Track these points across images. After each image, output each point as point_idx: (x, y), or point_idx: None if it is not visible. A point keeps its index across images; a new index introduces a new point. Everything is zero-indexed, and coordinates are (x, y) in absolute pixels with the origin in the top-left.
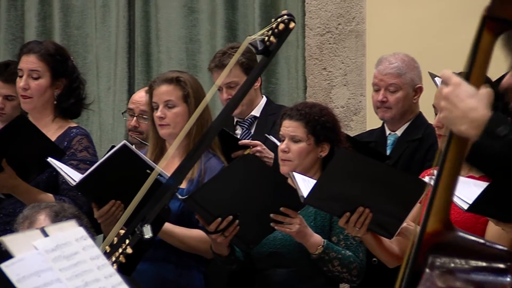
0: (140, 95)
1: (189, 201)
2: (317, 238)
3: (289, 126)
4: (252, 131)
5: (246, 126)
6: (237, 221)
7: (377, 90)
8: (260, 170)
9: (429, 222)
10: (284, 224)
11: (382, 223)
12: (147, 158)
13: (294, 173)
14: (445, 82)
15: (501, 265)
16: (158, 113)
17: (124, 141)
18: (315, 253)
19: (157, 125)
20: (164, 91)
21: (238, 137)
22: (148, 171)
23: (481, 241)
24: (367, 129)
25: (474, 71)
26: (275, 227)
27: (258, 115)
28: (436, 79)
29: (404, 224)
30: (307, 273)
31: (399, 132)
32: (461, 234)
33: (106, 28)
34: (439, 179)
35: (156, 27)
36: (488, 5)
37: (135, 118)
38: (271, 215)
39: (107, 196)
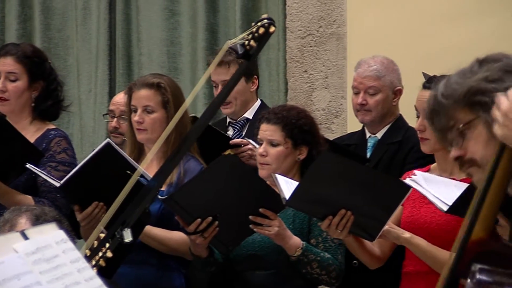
0: (121, 97)
1: (169, 202)
2: (296, 240)
3: (266, 130)
4: (244, 133)
5: (238, 127)
6: (216, 222)
7: (356, 93)
8: (241, 171)
9: (474, 230)
10: (263, 226)
11: (364, 226)
12: (130, 158)
13: (277, 175)
14: (506, 96)
15: None
16: (136, 118)
17: (108, 139)
18: (294, 255)
19: (135, 129)
20: (144, 95)
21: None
22: (128, 172)
23: None
24: (348, 132)
25: None
26: (254, 229)
27: (251, 117)
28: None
29: (386, 227)
30: (286, 275)
31: (379, 135)
32: (506, 243)
33: (87, 31)
34: (489, 187)
35: (137, 29)
36: None
37: (115, 119)
38: (250, 217)
39: (90, 197)
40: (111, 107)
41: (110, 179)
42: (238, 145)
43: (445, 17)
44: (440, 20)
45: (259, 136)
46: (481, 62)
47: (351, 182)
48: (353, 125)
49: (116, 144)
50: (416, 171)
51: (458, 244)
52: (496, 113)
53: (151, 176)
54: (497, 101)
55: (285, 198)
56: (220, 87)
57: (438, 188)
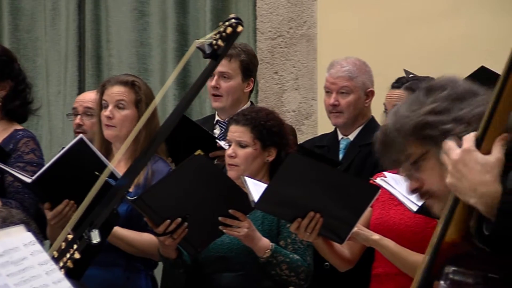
0: (84, 94)
1: (138, 202)
2: (265, 242)
3: (235, 131)
4: None
5: (225, 127)
6: (186, 223)
7: (328, 93)
8: (210, 172)
9: (448, 232)
10: (233, 227)
11: (333, 228)
12: (102, 155)
13: (246, 177)
14: (453, 144)
15: None
16: (106, 112)
17: (81, 135)
18: (263, 257)
19: (103, 125)
20: (117, 91)
21: (216, 136)
22: (96, 173)
23: (498, 254)
24: (319, 133)
25: (497, 110)
26: (224, 231)
27: None
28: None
29: (355, 229)
30: (255, 277)
31: (351, 137)
32: (479, 245)
33: (56, 32)
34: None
35: (106, 30)
36: None
37: (79, 116)
38: (220, 218)
39: (60, 195)
40: (75, 105)
41: (81, 176)
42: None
43: (415, 18)
44: (410, 22)
45: (228, 137)
46: (428, 91)
47: (319, 184)
48: (324, 126)
49: None
50: (385, 173)
51: (431, 246)
52: (446, 160)
53: (121, 174)
54: (447, 148)
55: (253, 201)
56: (216, 77)
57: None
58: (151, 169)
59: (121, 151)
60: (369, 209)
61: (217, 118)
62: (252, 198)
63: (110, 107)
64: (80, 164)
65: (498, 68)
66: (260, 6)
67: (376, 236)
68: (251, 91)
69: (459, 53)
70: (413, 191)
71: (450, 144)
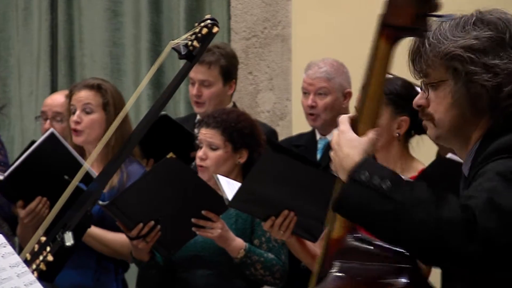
0: (53, 98)
1: (110, 207)
2: (239, 242)
3: (206, 134)
4: None
5: None
6: (158, 226)
7: (306, 95)
8: (182, 174)
9: (335, 228)
10: (206, 228)
11: (306, 226)
12: (74, 151)
13: (219, 176)
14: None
15: (399, 266)
16: (74, 117)
17: (52, 129)
18: (237, 257)
19: (72, 130)
20: (84, 95)
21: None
22: (66, 177)
23: (383, 244)
24: (293, 134)
25: (372, 80)
26: (197, 232)
27: None
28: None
29: None
30: (228, 276)
31: (329, 137)
32: (364, 238)
33: (28, 31)
34: None
35: (79, 30)
36: (383, 13)
37: (48, 121)
38: (193, 219)
39: (33, 192)
40: (43, 109)
41: (54, 172)
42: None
43: None
44: None
45: (198, 140)
46: (477, 22)
47: (293, 182)
48: (298, 127)
49: None
50: None
51: (323, 242)
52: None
53: (96, 174)
54: (339, 128)
55: (227, 199)
56: (197, 85)
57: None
58: (126, 171)
59: (93, 156)
60: None
61: (198, 117)
62: (225, 196)
63: (77, 112)
64: (52, 159)
65: None
66: (235, 6)
67: None
68: (233, 91)
69: None
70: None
71: (342, 123)
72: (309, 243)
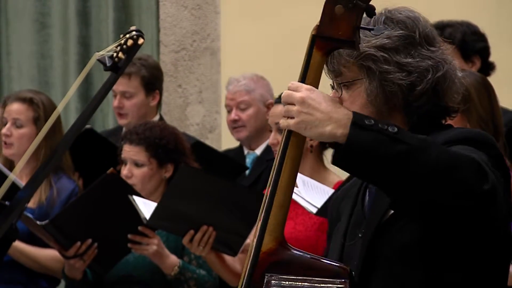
0: None
1: (49, 227)
2: (173, 258)
3: (130, 151)
4: None
5: None
6: (96, 244)
7: (229, 111)
8: (119, 190)
9: (264, 241)
10: (142, 245)
11: (225, 241)
12: (1, 165)
13: (134, 197)
14: (294, 90)
15: (337, 281)
16: (4, 130)
17: None
18: (171, 274)
19: (2, 142)
20: (15, 109)
21: None
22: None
23: (318, 258)
24: (223, 147)
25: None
26: (132, 248)
27: None
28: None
29: (248, 241)
30: None
31: (258, 151)
32: (296, 252)
33: None
34: (274, 197)
35: (6, 42)
36: (317, 25)
37: None
38: (129, 235)
39: None
40: None
41: None
42: None
43: None
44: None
45: (122, 156)
46: (387, 20)
47: (211, 196)
48: (228, 140)
49: None
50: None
51: (249, 257)
52: (292, 100)
53: (23, 184)
54: (293, 87)
55: (145, 218)
56: (118, 97)
57: (312, 191)
58: (55, 188)
59: (19, 166)
60: None
61: (125, 129)
62: (143, 216)
63: (8, 125)
64: None
65: None
66: (164, 19)
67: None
68: (159, 103)
69: None
70: None
71: (294, 84)
72: (228, 259)
